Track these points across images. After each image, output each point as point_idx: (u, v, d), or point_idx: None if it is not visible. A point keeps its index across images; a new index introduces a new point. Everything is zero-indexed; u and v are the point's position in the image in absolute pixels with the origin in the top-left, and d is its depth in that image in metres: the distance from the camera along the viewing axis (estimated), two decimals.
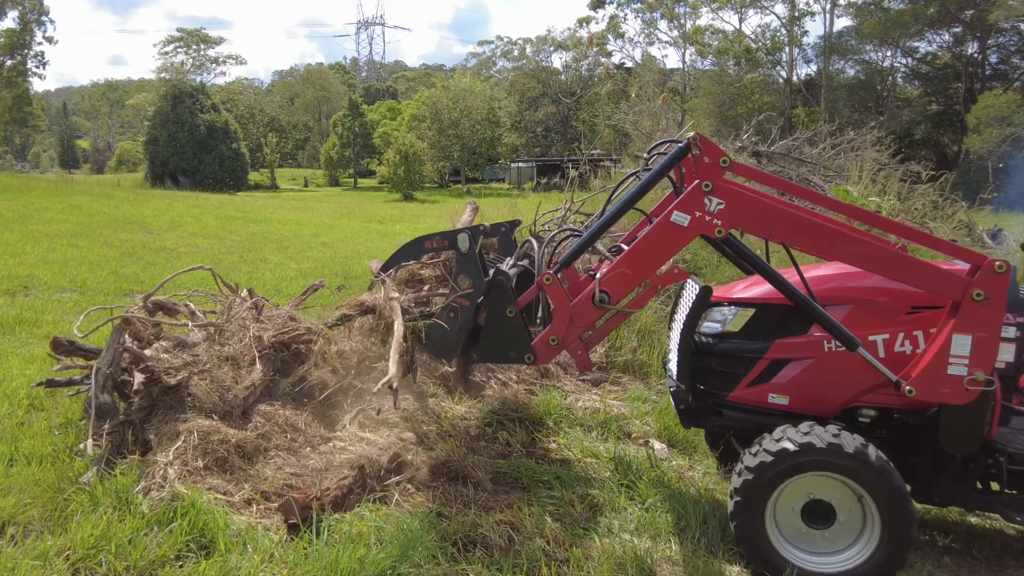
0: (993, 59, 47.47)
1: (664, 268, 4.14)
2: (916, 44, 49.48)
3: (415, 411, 5.53)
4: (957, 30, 46.64)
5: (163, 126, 56.36)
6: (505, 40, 75.96)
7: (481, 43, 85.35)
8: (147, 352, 4.86)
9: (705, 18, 55.15)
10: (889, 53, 50.18)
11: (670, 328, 4.52)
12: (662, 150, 4.48)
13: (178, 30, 70.51)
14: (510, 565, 3.42)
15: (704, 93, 53.10)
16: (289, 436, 4.68)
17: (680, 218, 3.58)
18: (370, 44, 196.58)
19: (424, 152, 53.07)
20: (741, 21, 53.77)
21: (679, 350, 3.89)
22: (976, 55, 47.24)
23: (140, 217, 20.01)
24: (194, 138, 55.79)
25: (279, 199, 43.99)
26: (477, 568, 3.40)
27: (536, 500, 4.12)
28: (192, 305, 5.66)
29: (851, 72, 51.89)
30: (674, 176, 4.26)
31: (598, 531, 3.83)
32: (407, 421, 5.38)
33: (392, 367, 3.92)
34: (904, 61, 51.19)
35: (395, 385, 3.81)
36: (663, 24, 57.40)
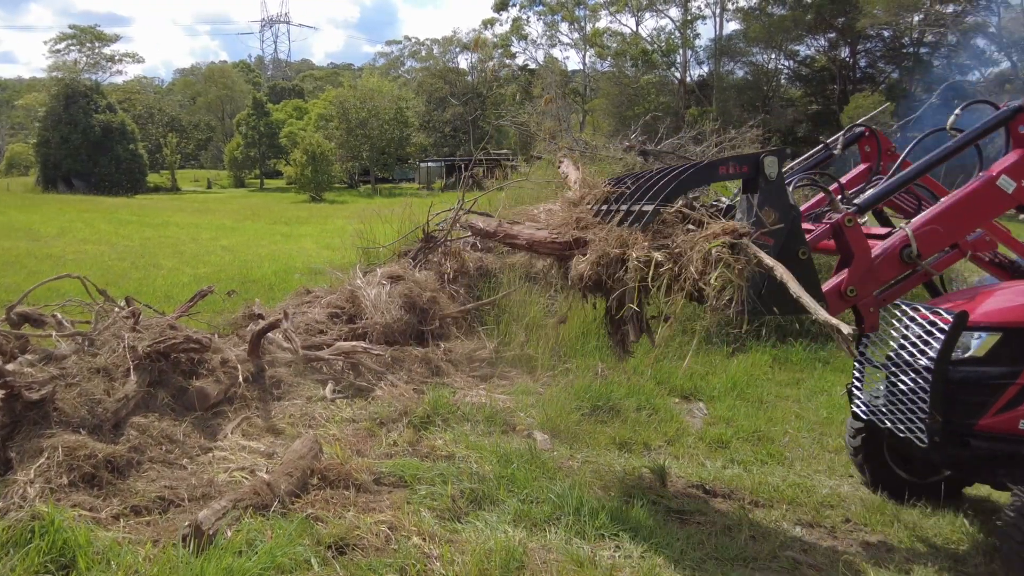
0: (862, 63, 50.95)
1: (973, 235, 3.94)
2: (797, 48, 52.57)
3: (302, 416, 5.50)
4: (832, 35, 49.83)
5: (55, 127, 52.73)
6: (413, 40, 75.56)
7: (389, 43, 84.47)
8: (9, 366, 4.64)
9: (604, 21, 56.47)
10: (774, 56, 53.02)
11: (860, 353, 4.25)
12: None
13: (71, 27, 66.23)
14: (383, 564, 3.47)
15: (603, 94, 54.38)
16: (165, 448, 4.58)
17: (1006, 183, 3.48)
18: (275, 42, 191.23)
19: (332, 152, 51.94)
20: (638, 24, 55.24)
21: (934, 380, 3.66)
22: (848, 59, 50.56)
23: (27, 224, 18.91)
24: (89, 139, 52.48)
25: (180, 201, 42.16)
26: (351, 570, 3.43)
27: (417, 498, 4.18)
28: (60, 315, 5.44)
29: (740, 73, 54.48)
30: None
31: (475, 525, 3.92)
32: (293, 427, 5.34)
33: (821, 311, 3.05)
34: (787, 63, 54.23)
35: (844, 329, 2.95)
36: (564, 27, 58.48)
